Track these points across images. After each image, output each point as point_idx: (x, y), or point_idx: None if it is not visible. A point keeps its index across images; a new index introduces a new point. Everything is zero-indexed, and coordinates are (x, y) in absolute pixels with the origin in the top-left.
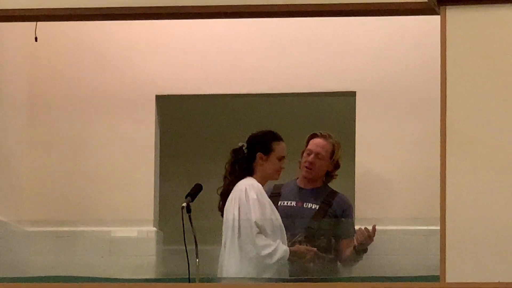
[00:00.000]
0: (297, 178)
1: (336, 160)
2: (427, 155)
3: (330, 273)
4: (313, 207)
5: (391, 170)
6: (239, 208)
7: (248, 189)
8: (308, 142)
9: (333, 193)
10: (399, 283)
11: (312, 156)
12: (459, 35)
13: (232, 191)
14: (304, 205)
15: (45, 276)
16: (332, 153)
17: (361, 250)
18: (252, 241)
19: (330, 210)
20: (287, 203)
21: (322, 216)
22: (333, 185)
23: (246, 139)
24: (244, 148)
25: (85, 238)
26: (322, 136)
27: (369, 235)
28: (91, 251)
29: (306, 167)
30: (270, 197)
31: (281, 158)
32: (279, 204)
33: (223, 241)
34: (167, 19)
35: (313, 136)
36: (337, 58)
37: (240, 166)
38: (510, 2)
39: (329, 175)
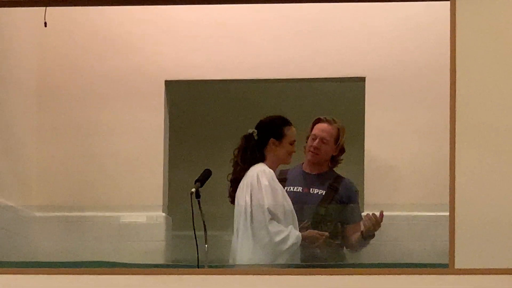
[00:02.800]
0: (302, 163)
1: (341, 145)
2: (436, 141)
3: (337, 259)
4: (319, 193)
5: (400, 156)
6: (251, 194)
7: (260, 175)
8: (312, 127)
9: (339, 178)
10: (407, 269)
11: (317, 141)
12: (469, 21)
13: (244, 177)
14: (311, 190)
15: (54, 262)
16: (337, 137)
17: (368, 236)
18: (265, 228)
19: (337, 195)
20: (293, 189)
21: (329, 202)
22: (341, 171)
23: (256, 125)
24: (254, 134)
25: (94, 223)
26: (326, 121)
27: (377, 221)
28: (100, 237)
29: (311, 152)
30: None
31: (292, 143)
32: (286, 190)
33: (235, 228)
34: (176, 4)
35: (318, 121)
36: (346, 44)
37: (252, 152)
38: None
39: (335, 160)
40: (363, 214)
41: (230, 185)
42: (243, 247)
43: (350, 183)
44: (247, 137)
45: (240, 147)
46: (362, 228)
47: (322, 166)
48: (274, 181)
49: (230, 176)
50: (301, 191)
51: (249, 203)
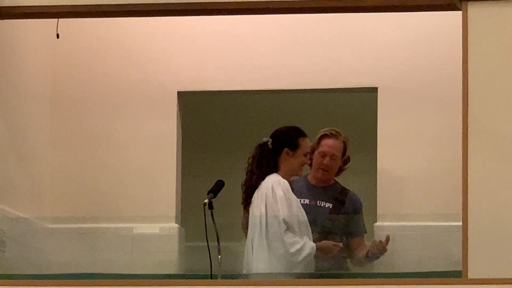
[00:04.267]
0: (307, 174)
1: (347, 156)
2: (449, 151)
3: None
4: (326, 206)
5: (413, 166)
6: (266, 205)
7: (275, 186)
8: (319, 142)
9: (345, 190)
10: (421, 279)
11: (327, 158)
12: (481, 30)
13: (259, 188)
14: (318, 203)
15: (67, 274)
16: (344, 150)
17: (372, 257)
18: (280, 239)
19: (343, 209)
20: (300, 201)
21: (336, 215)
22: (354, 181)
23: (270, 134)
24: (269, 143)
25: (107, 235)
26: (333, 135)
27: (383, 247)
28: (113, 248)
29: (322, 169)
30: None
31: (306, 154)
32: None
33: (249, 238)
34: (189, 15)
35: (324, 136)
36: (358, 54)
37: (266, 161)
38: None
39: (340, 170)
40: (375, 224)
41: (243, 192)
42: (258, 258)
43: (356, 196)
44: (262, 146)
45: (255, 155)
46: (368, 246)
47: (331, 178)
48: (289, 192)
49: (244, 183)
50: (308, 203)
51: (264, 214)
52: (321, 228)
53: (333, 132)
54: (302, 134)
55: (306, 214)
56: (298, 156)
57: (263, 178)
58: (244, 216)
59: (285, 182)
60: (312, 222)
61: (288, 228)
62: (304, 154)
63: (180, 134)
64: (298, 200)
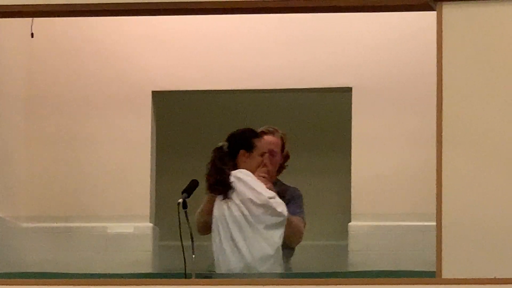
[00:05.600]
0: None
1: (286, 152)
2: (424, 151)
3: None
4: None
5: (387, 166)
6: (244, 191)
7: (238, 174)
8: (254, 140)
9: (285, 187)
10: (395, 279)
11: (266, 155)
12: (455, 31)
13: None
14: None
15: (41, 272)
16: (283, 146)
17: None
18: (268, 206)
19: (284, 200)
20: None
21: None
22: (329, 180)
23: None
24: (225, 147)
25: (81, 234)
26: (270, 132)
27: None
28: (87, 247)
29: (263, 167)
30: None
31: (263, 154)
32: None
33: (226, 236)
34: (163, 15)
35: (262, 133)
36: (333, 54)
37: (224, 164)
38: None
39: (281, 167)
40: (350, 224)
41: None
42: (253, 249)
43: (296, 189)
44: (218, 150)
45: (213, 160)
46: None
47: (272, 176)
48: (253, 177)
49: (206, 191)
50: None
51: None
52: None
53: (270, 129)
54: (257, 135)
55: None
56: (255, 156)
57: (222, 182)
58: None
59: (246, 171)
60: None
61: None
62: (260, 154)
63: (155, 133)
64: None
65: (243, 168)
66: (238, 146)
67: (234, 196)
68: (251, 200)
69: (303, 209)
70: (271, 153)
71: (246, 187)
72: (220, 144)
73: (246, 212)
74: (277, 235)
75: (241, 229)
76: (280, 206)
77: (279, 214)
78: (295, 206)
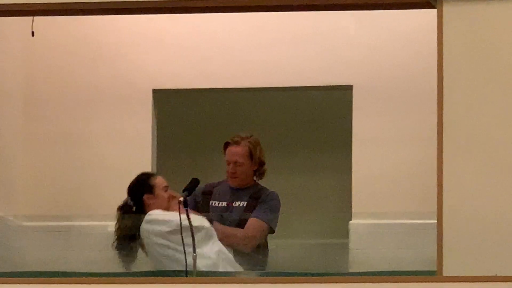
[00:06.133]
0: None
1: (258, 158)
2: (424, 149)
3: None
4: (241, 204)
5: (388, 164)
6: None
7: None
8: (224, 150)
9: (263, 189)
10: (396, 277)
11: (231, 165)
12: (456, 29)
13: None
14: (234, 204)
15: (42, 271)
16: (250, 154)
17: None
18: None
19: (257, 202)
20: (218, 204)
21: (251, 210)
22: (329, 179)
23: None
24: (129, 202)
25: (81, 232)
26: (234, 142)
27: None
28: (88, 246)
29: (230, 177)
30: (202, 195)
31: (166, 189)
32: (210, 204)
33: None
34: (163, 13)
35: (227, 144)
36: (334, 52)
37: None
38: None
39: (259, 172)
40: (351, 222)
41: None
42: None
43: (273, 193)
44: (124, 207)
45: (120, 218)
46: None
47: (246, 181)
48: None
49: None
50: (225, 205)
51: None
52: (234, 222)
53: (234, 139)
54: (151, 175)
55: (221, 214)
56: (159, 194)
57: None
58: None
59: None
60: (227, 219)
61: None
62: (164, 190)
63: (156, 132)
64: (215, 203)
65: (155, 207)
66: (140, 194)
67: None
68: (164, 233)
69: (270, 214)
70: (236, 163)
71: (156, 225)
72: (124, 201)
73: (171, 244)
74: (209, 248)
75: (177, 261)
76: (197, 221)
77: (198, 228)
78: (260, 209)
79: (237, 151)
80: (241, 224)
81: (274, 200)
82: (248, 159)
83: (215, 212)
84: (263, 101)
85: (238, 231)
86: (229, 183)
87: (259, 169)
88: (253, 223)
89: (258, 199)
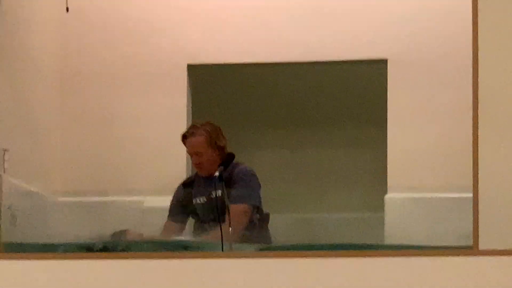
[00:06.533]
0: None
1: (215, 143)
2: (460, 123)
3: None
4: (218, 194)
5: (423, 138)
6: None
7: None
8: (184, 144)
9: (233, 170)
10: (431, 251)
11: (194, 157)
12: (491, 1)
13: None
14: (212, 194)
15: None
16: (209, 141)
17: None
18: None
19: (232, 189)
20: (200, 200)
21: (227, 193)
22: (364, 154)
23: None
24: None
25: (117, 208)
26: (190, 134)
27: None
28: (123, 221)
29: (197, 168)
30: (184, 192)
31: (191, 156)
32: (194, 202)
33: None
34: None
35: (183, 138)
36: (368, 26)
37: None
38: None
39: (223, 154)
40: (386, 196)
41: None
42: None
43: (243, 169)
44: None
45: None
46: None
47: (214, 167)
48: None
49: None
50: (206, 200)
51: None
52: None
53: (190, 131)
54: None
55: (207, 209)
56: None
57: None
58: None
59: None
60: (213, 214)
61: None
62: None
63: (190, 107)
64: (198, 200)
65: None
66: None
67: None
68: None
69: (246, 192)
70: (196, 154)
71: None
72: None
73: None
74: None
75: None
76: None
77: None
78: (235, 192)
79: (195, 142)
80: (221, 214)
81: (246, 176)
82: (208, 147)
83: (201, 210)
84: (298, 76)
85: (225, 227)
86: (199, 173)
87: (222, 154)
88: (233, 210)
89: (229, 181)
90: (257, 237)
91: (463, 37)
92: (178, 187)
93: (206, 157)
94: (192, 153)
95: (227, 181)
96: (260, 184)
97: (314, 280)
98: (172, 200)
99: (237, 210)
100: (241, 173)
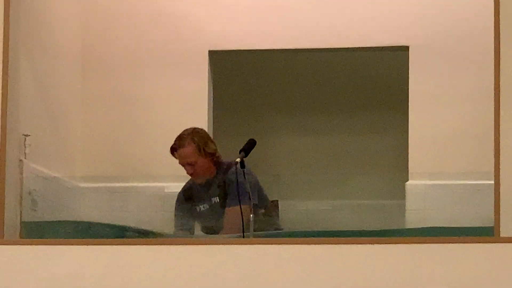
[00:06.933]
0: None
1: (204, 151)
2: (481, 110)
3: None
4: (217, 200)
5: (444, 125)
6: None
7: None
8: (174, 155)
9: (226, 169)
10: (453, 238)
11: (186, 167)
12: None
13: None
14: (212, 201)
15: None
16: (198, 149)
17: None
18: None
19: (227, 188)
20: (203, 208)
21: (224, 198)
22: (386, 141)
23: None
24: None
25: (138, 193)
26: (179, 145)
27: None
28: (144, 207)
29: (192, 176)
30: (185, 201)
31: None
32: (198, 211)
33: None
34: None
35: (172, 150)
36: (390, 12)
37: None
38: None
39: (215, 159)
40: (407, 183)
41: None
42: None
43: (238, 169)
44: None
45: None
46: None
47: (209, 173)
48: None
49: None
50: (208, 207)
51: None
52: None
53: (176, 143)
54: None
55: (209, 216)
56: None
57: None
58: None
59: None
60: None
61: None
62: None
63: (212, 93)
64: (201, 208)
65: None
66: None
67: None
68: None
69: (241, 193)
70: (188, 163)
71: None
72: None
73: None
74: None
75: None
76: None
77: None
78: (230, 196)
79: (185, 153)
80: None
81: (238, 177)
82: (198, 155)
83: (204, 217)
84: (319, 62)
85: (225, 229)
86: (196, 181)
87: (213, 158)
88: (226, 214)
89: (224, 185)
90: (265, 227)
91: (484, 23)
92: (179, 197)
93: (198, 166)
94: (183, 164)
95: (223, 184)
96: (256, 178)
97: (335, 267)
98: (176, 212)
99: (230, 214)
100: (232, 175)
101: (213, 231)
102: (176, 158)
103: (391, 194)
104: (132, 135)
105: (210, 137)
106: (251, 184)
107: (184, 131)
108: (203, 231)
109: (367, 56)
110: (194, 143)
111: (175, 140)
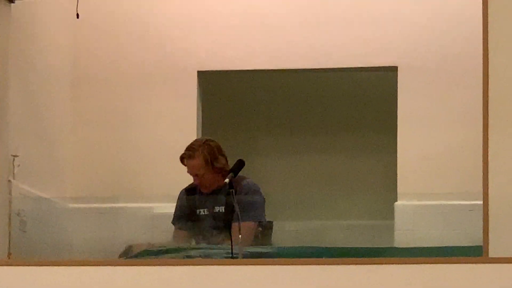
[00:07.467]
0: None
1: (211, 164)
2: (470, 130)
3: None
4: (221, 210)
5: (433, 145)
6: None
7: None
8: (183, 164)
9: (240, 179)
10: (442, 258)
11: (194, 177)
12: (501, 7)
13: None
14: (214, 209)
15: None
16: (207, 161)
17: None
18: None
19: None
20: (203, 212)
21: (231, 212)
22: (375, 161)
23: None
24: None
25: (127, 214)
26: (189, 156)
27: None
28: (133, 228)
29: (199, 186)
30: (187, 203)
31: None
32: (198, 213)
33: None
34: None
35: (181, 160)
36: (379, 33)
37: None
38: None
39: (223, 172)
40: (396, 203)
41: None
42: None
43: (251, 183)
44: None
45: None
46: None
47: (216, 183)
48: None
49: None
50: (207, 213)
51: None
52: (219, 229)
53: (188, 153)
54: None
55: (208, 222)
56: None
57: None
58: None
59: None
60: (215, 227)
61: None
62: None
63: (200, 113)
64: (201, 212)
65: None
66: None
67: None
68: None
69: (251, 211)
70: (196, 175)
71: None
72: None
73: None
74: None
75: None
76: None
77: None
78: (242, 211)
79: (194, 164)
80: (226, 228)
81: (252, 192)
82: (207, 167)
83: (202, 221)
84: (308, 83)
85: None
86: (202, 190)
87: (222, 170)
88: (243, 229)
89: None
90: (260, 246)
91: (472, 44)
92: (181, 193)
93: (206, 178)
94: (192, 174)
95: (230, 205)
96: (264, 199)
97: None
98: (176, 207)
99: (245, 228)
100: (247, 188)
101: (207, 238)
102: (185, 165)
103: (380, 214)
104: (122, 156)
105: (221, 150)
106: (261, 202)
107: (195, 141)
108: (195, 234)
109: (356, 76)
110: (203, 157)
111: (186, 149)
